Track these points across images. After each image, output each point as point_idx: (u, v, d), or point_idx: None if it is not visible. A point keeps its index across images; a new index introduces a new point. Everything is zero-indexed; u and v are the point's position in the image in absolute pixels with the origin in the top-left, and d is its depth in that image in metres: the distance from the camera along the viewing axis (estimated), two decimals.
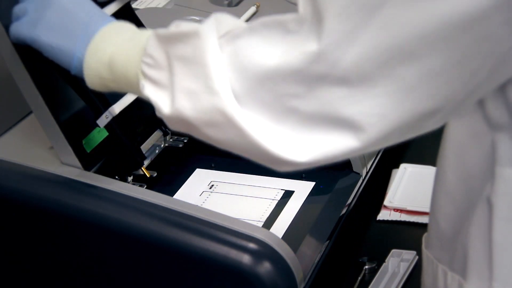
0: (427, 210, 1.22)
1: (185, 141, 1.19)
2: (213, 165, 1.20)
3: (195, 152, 1.22)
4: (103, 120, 1.03)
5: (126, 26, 0.91)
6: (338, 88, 0.70)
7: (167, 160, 1.18)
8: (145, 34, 0.86)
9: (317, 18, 0.71)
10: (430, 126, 0.74)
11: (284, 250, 0.96)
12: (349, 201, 1.15)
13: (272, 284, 0.94)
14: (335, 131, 0.72)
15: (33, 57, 0.99)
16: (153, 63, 0.81)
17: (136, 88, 0.85)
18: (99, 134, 1.08)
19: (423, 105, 0.70)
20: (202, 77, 0.76)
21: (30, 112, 1.12)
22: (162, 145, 1.17)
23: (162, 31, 0.82)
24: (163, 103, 0.80)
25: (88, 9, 0.93)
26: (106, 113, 1.03)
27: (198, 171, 1.19)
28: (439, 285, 0.86)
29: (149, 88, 0.82)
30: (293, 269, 0.96)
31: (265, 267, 0.94)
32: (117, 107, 1.04)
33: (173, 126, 0.82)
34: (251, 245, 0.95)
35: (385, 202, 1.25)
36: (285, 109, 0.73)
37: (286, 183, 1.16)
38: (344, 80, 0.70)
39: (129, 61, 0.86)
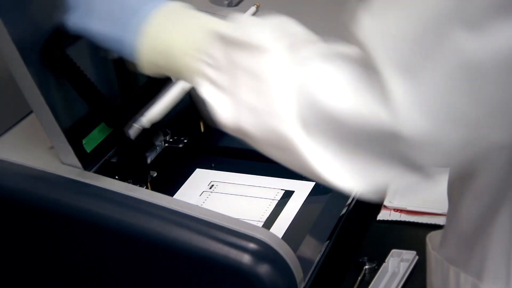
0: (427, 210, 1.22)
1: (185, 141, 1.19)
2: (213, 165, 1.20)
3: (195, 152, 1.22)
4: (135, 130, 1.03)
5: (179, 10, 0.87)
6: (408, 141, 0.69)
7: (167, 160, 1.18)
8: (203, 26, 0.84)
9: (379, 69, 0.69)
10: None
11: (284, 250, 0.96)
12: (349, 201, 1.15)
13: (272, 284, 0.94)
14: (398, 169, 0.72)
15: (33, 57, 0.99)
16: (212, 63, 0.79)
17: (190, 82, 0.83)
18: (99, 134, 1.08)
19: (489, 141, 0.70)
20: (267, 96, 0.74)
21: (30, 112, 1.12)
22: (162, 145, 1.17)
23: (225, 31, 0.80)
24: (222, 109, 0.78)
25: None
26: (138, 122, 1.02)
27: (198, 171, 1.19)
28: (450, 287, 0.86)
29: (207, 88, 0.80)
30: (293, 269, 0.96)
31: (265, 267, 0.94)
32: (146, 119, 1.04)
33: (228, 131, 0.80)
34: (251, 245, 0.95)
35: (385, 202, 1.25)
36: (352, 148, 0.72)
37: (286, 183, 1.16)
38: (415, 134, 0.69)
39: (186, 54, 0.83)
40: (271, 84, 0.74)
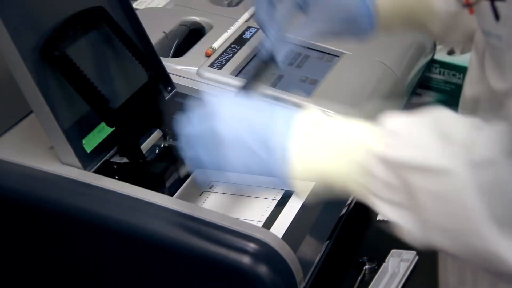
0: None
1: None
2: None
3: None
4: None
5: (321, 130, 0.82)
6: None
7: (167, 160, 1.18)
8: (357, 144, 0.80)
9: None
10: None
11: (284, 250, 0.96)
12: (349, 201, 1.15)
13: (272, 284, 0.93)
14: None
15: (33, 57, 0.99)
16: (386, 186, 0.78)
17: (360, 198, 0.81)
18: (99, 134, 1.08)
19: None
20: (464, 219, 0.73)
21: (30, 112, 1.12)
22: (162, 145, 1.17)
23: (388, 154, 0.77)
24: (409, 226, 0.77)
25: (260, 120, 0.84)
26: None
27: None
28: (467, 285, 0.86)
29: (386, 207, 0.78)
30: (293, 269, 0.96)
31: (265, 267, 0.94)
32: None
33: (421, 245, 0.79)
34: (251, 245, 0.95)
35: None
36: None
37: None
38: None
39: (349, 179, 0.81)
40: (467, 207, 0.73)
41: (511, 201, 0.72)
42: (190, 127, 0.88)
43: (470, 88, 0.94)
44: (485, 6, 0.80)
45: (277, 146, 0.82)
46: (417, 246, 0.79)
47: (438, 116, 0.78)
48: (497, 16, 0.79)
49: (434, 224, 0.75)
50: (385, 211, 0.79)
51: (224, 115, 0.85)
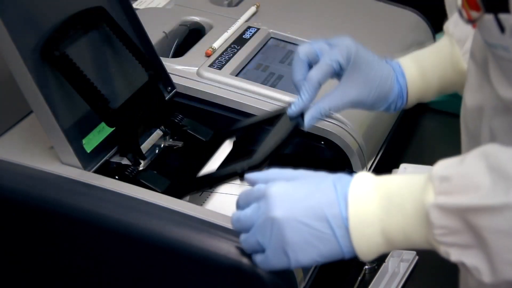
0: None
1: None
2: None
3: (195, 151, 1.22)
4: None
5: (373, 193, 0.83)
6: None
7: (167, 160, 1.18)
8: (414, 202, 0.81)
9: None
10: None
11: None
12: None
13: (272, 284, 0.93)
14: None
15: (33, 57, 0.99)
16: (448, 231, 0.78)
17: (427, 248, 0.83)
18: (99, 134, 1.08)
19: None
20: None
21: (30, 112, 1.12)
22: (162, 145, 1.17)
23: (444, 201, 0.78)
24: (479, 265, 0.78)
25: (314, 200, 0.85)
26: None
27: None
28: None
29: (456, 253, 0.79)
30: (293, 269, 0.96)
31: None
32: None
33: (492, 283, 0.79)
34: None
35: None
36: None
37: None
38: None
39: (410, 235, 0.81)
40: None
41: None
42: (249, 223, 0.89)
43: (471, 97, 0.94)
44: (489, 19, 0.80)
45: (338, 220, 0.83)
46: (491, 284, 0.79)
47: (487, 152, 0.78)
48: (502, 28, 0.79)
49: (505, 260, 0.76)
50: (453, 255, 0.79)
51: (279, 205, 0.85)
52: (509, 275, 0.77)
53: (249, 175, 0.91)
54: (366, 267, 1.15)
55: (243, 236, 0.90)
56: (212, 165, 1.14)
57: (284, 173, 0.89)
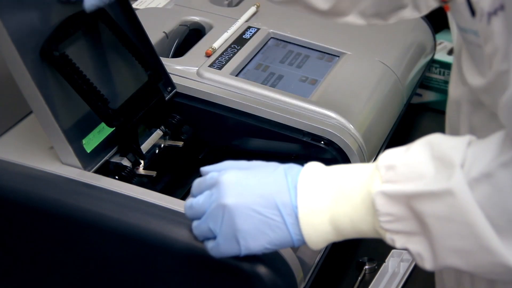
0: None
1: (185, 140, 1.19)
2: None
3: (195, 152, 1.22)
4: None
5: (322, 182, 0.84)
6: None
7: (167, 160, 1.18)
8: (356, 189, 0.81)
9: None
10: None
11: (284, 250, 0.96)
12: None
13: (272, 284, 0.93)
14: None
15: (33, 57, 0.99)
16: (393, 219, 0.79)
17: (374, 236, 0.83)
18: (99, 134, 1.08)
19: None
20: (471, 237, 0.74)
21: (30, 112, 1.12)
22: (162, 145, 1.17)
23: (389, 189, 0.78)
24: (423, 252, 0.79)
25: (265, 188, 0.85)
26: None
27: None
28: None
29: (401, 240, 0.79)
30: (293, 269, 0.96)
31: (265, 267, 0.94)
32: None
33: (436, 269, 0.80)
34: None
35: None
36: None
37: None
38: None
39: (357, 222, 0.82)
40: (473, 224, 0.74)
41: (509, 209, 0.73)
42: (201, 210, 0.89)
43: (452, 90, 0.95)
44: (462, 2, 0.81)
45: (288, 209, 0.84)
46: (432, 270, 0.80)
47: (431, 141, 0.79)
48: (473, 12, 0.80)
49: (446, 246, 0.76)
50: (398, 242, 0.79)
51: (231, 192, 0.86)
52: (449, 261, 0.77)
53: (204, 167, 0.91)
54: (366, 267, 1.15)
55: (195, 223, 0.90)
56: None
57: (238, 163, 0.90)
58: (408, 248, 0.79)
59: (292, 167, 0.86)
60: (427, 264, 0.79)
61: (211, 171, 0.90)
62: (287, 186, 0.84)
